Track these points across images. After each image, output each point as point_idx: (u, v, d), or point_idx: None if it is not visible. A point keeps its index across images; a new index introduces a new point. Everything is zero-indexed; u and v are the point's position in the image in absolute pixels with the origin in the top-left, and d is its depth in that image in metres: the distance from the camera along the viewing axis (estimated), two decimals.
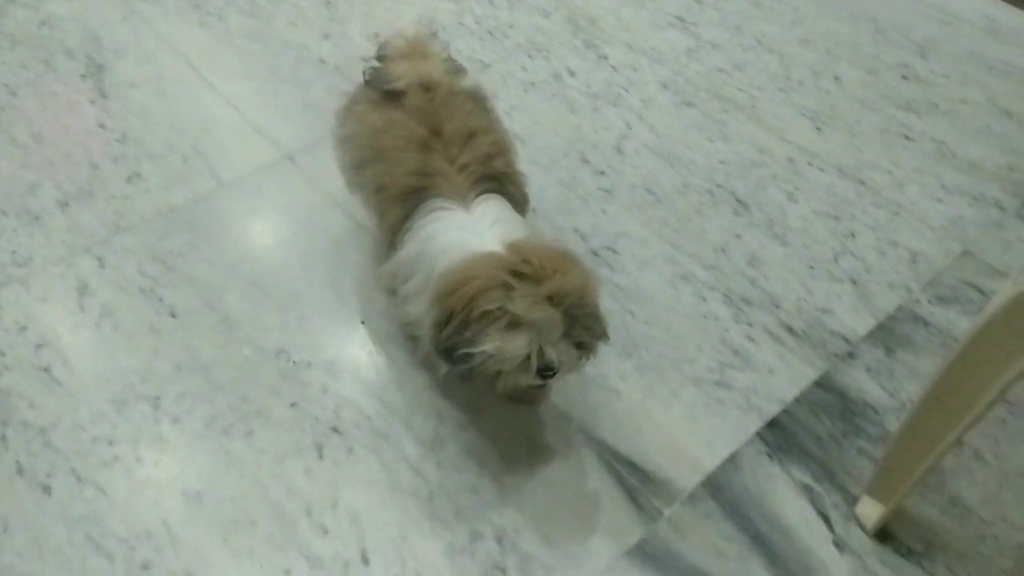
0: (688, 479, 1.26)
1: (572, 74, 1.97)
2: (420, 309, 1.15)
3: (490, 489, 1.22)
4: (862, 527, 1.21)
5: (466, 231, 1.17)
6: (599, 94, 1.91)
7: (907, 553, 1.19)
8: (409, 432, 1.28)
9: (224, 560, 1.14)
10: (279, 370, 1.36)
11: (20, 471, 1.21)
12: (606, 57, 2.02)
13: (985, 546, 1.21)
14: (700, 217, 1.66)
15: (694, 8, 2.21)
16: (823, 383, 1.39)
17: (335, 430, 1.28)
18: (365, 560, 1.15)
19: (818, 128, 1.87)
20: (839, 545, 1.20)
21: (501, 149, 1.30)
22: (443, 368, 1.20)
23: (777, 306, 1.51)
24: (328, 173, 1.67)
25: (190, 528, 1.17)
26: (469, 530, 1.18)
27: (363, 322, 1.43)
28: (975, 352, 0.95)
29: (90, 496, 1.19)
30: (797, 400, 1.37)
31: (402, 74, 1.32)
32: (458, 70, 1.39)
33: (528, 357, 1.06)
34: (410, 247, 1.20)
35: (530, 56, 2.01)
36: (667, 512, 1.22)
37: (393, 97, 1.31)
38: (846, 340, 1.46)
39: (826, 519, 1.22)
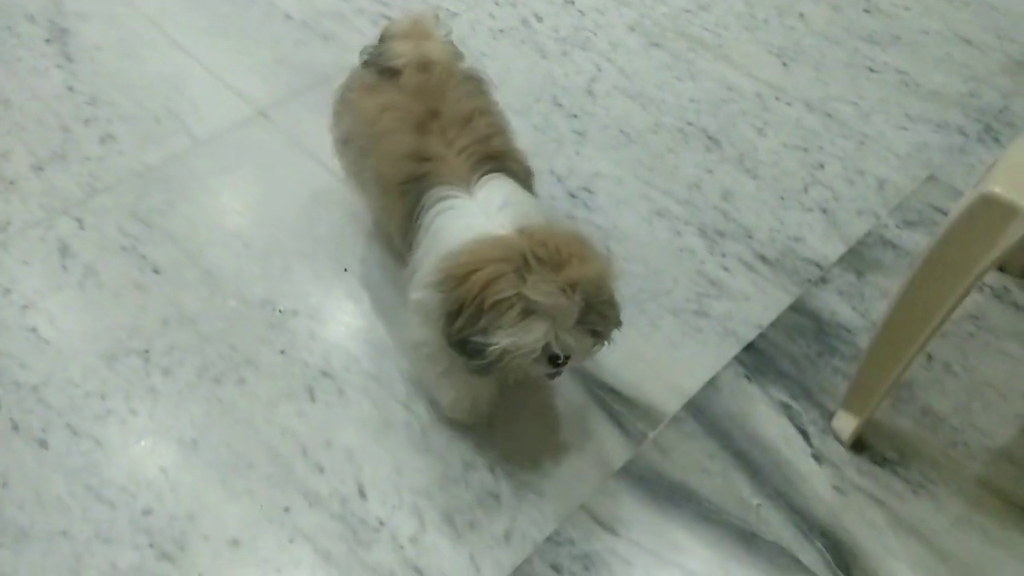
0: (671, 403, 1.30)
1: (540, 19, 1.97)
2: (425, 296, 1.10)
3: (480, 422, 1.26)
4: (838, 439, 1.26)
5: (474, 215, 1.12)
6: (568, 38, 1.93)
7: (882, 462, 1.25)
8: (398, 371, 1.31)
9: (224, 502, 1.17)
10: (266, 319, 1.37)
11: (15, 428, 1.23)
12: (572, 2, 2.03)
13: (956, 452, 1.27)
14: (673, 155, 1.69)
15: None
16: (797, 307, 1.44)
17: (325, 374, 1.31)
18: (362, 495, 1.18)
19: (784, 64, 1.90)
20: (817, 457, 1.25)
21: (499, 129, 1.26)
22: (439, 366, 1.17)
23: (750, 237, 1.54)
24: (303, 127, 1.69)
25: (188, 474, 1.20)
26: (462, 461, 1.22)
27: (346, 270, 1.45)
28: (940, 257, 0.99)
29: (87, 448, 1.21)
30: (773, 324, 1.41)
31: (401, 52, 1.27)
32: (457, 54, 1.35)
33: (545, 346, 1.02)
34: (423, 244, 1.15)
35: (497, 3, 2.01)
36: (652, 435, 1.26)
37: (390, 75, 1.27)
38: (818, 266, 1.50)
39: (804, 434, 1.27)
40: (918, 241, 1.53)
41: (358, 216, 1.51)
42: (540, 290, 0.99)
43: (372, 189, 1.30)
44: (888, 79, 1.87)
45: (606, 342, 1.11)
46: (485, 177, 1.16)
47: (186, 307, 1.38)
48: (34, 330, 1.35)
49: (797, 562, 1.14)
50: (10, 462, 1.20)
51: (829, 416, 1.29)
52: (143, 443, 1.22)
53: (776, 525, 1.18)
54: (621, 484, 1.21)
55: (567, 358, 1.05)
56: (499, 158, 1.20)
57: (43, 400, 1.26)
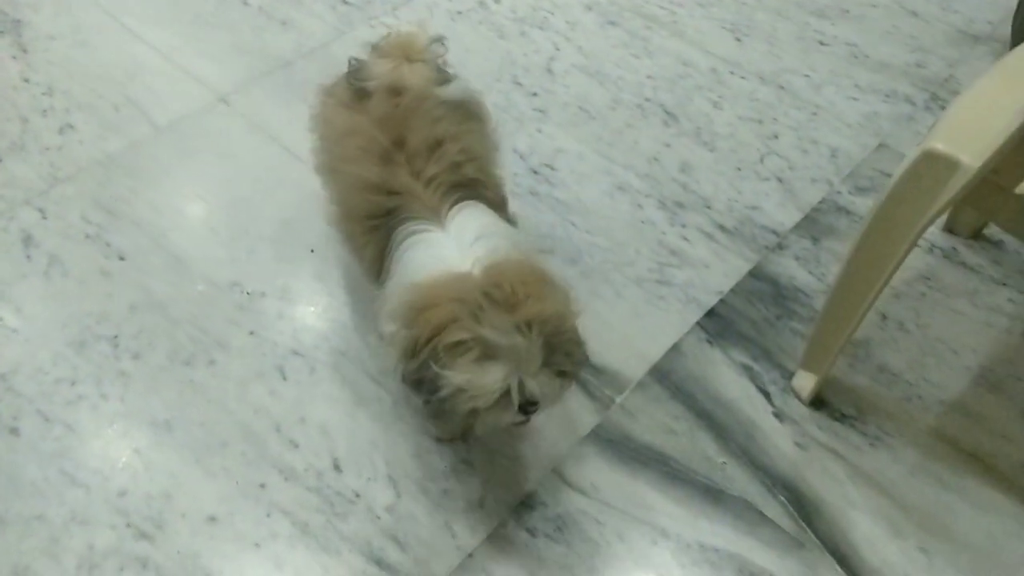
0: (636, 368, 1.33)
1: (497, 1, 1.99)
2: (391, 326, 1.05)
3: None
4: (799, 397, 1.31)
5: (444, 248, 1.06)
6: (525, 18, 1.95)
7: (841, 417, 1.29)
8: (367, 347, 1.33)
9: (199, 480, 1.18)
10: (234, 302, 1.38)
11: None
12: None
13: (911, 405, 1.31)
14: (632, 130, 1.72)
15: None
16: (756, 273, 1.48)
17: (295, 352, 1.32)
18: (337, 468, 1.20)
19: (738, 39, 1.94)
20: (779, 415, 1.29)
21: (472, 155, 1.18)
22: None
23: (709, 207, 1.58)
24: (263, 112, 1.69)
25: (162, 454, 1.20)
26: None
27: (312, 250, 1.46)
28: (886, 214, 1.04)
29: (59, 434, 1.22)
30: (732, 290, 1.45)
31: (377, 74, 1.20)
32: (445, 79, 1.26)
33: (507, 392, 0.97)
34: (392, 280, 1.10)
35: None
36: (618, 399, 1.29)
37: (361, 96, 1.20)
38: (775, 233, 1.54)
39: (765, 393, 1.31)
40: (870, 206, 1.58)
41: (323, 197, 1.52)
42: (495, 332, 0.94)
43: (336, 212, 1.24)
44: (838, 52, 1.92)
45: (574, 382, 1.06)
46: (457, 207, 1.10)
47: (154, 292, 1.38)
48: (0, 319, 1.34)
49: (762, 516, 1.18)
50: None
51: (789, 376, 1.33)
52: (115, 426, 1.23)
53: (741, 481, 1.22)
54: (590, 448, 1.24)
55: (536, 404, 1.00)
56: (471, 186, 1.14)
57: (12, 388, 1.26)
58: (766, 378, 1.33)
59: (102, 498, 1.15)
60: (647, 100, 1.78)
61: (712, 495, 1.20)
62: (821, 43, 1.94)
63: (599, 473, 1.21)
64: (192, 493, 1.17)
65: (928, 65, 1.89)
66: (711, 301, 1.43)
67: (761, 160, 1.67)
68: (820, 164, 1.67)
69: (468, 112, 1.26)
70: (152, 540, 1.12)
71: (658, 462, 1.23)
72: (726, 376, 1.33)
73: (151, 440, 1.22)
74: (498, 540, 1.14)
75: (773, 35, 1.95)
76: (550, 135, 1.69)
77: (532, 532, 1.15)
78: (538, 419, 1.13)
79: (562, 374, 1.02)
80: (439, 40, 1.27)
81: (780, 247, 1.52)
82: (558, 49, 1.88)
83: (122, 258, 1.43)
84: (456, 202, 1.11)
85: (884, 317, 1.42)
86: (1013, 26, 1.78)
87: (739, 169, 1.65)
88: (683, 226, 1.55)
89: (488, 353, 0.95)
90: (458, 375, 0.95)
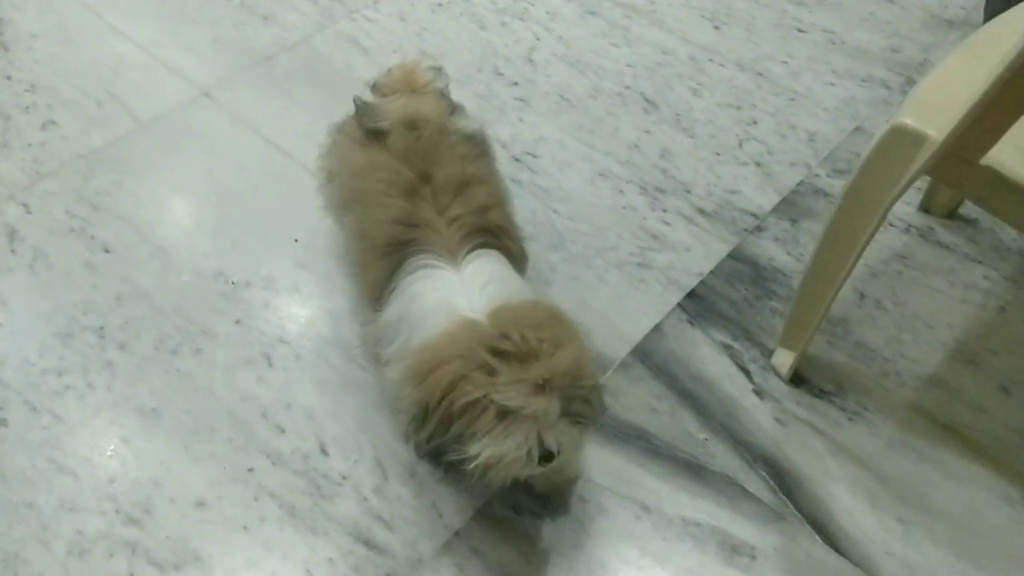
0: (618, 350, 1.35)
1: None
2: (397, 377, 1.01)
3: None
4: (778, 375, 1.33)
5: (453, 291, 1.02)
6: (506, 9, 1.96)
7: (820, 393, 1.32)
8: (353, 333, 1.34)
9: (187, 465, 1.19)
10: (219, 291, 1.39)
11: None
12: None
13: (889, 381, 1.34)
14: (612, 118, 1.74)
15: None
16: (735, 255, 1.50)
17: (281, 340, 1.34)
18: (324, 451, 1.21)
19: (716, 27, 1.96)
20: (759, 393, 1.31)
21: (498, 200, 1.15)
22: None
23: (689, 192, 1.60)
24: (247, 105, 1.70)
25: (150, 441, 1.22)
26: None
27: (296, 240, 1.47)
28: (858, 190, 1.06)
29: (47, 423, 1.23)
30: (712, 272, 1.47)
31: (389, 113, 1.18)
32: (455, 108, 1.24)
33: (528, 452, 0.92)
34: (393, 308, 1.06)
35: None
36: (602, 380, 1.30)
37: (377, 136, 1.18)
38: (754, 216, 1.56)
39: (746, 372, 1.33)
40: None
41: (306, 188, 1.54)
42: (510, 393, 0.88)
43: (352, 239, 1.20)
44: (815, 38, 1.95)
45: (593, 427, 1.00)
46: (475, 252, 1.07)
47: (139, 283, 1.40)
48: None
49: (743, 490, 1.20)
50: None
51: (769, 354, 1.35)
52: (103, 415, 1.24)
53: (722, 457, 1.24)
54: None
55: (555, 455, 0.93)
56: (494, 233, 1.11)
57: (0, 380, 1.27)
58: (746, 356, 1.35)
59: (91, 485, 1.17)
60: (627, 88, 1.80)
61: (694, 470, 1.22)
62: (799, 30, 1.96)
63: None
64: (180, 479, 1.18)
65: (903, 50, 1.92)
66: (692, 283, 1.45)
67: (740, 145, 1.70)
68: (798, 148, 1.69)
69: (482, 148, 1.23)
70: (141, 525, 1.13)
71: (640, 439, 1.25)
72: (707, 355, 1.35)
73: (139, 428, 1.23)
74: (484, 518, 1.15)
75: (751, 23, 1.97)
76: (531, 124, 1.71)
77: (518, 509, 1.17)
78: None
79: (580, 421, 0.96)
80: (439, 69, 1.26)
81: (759, 229, 1.54)
82: (538, 39, 1.90)
83: (107, 250, 1.44)
84: (476, 247, 1.07)
85: (862, 296, 1.44)
86: (986, 11, 1.80)
87: (718, 154, 1.68)
88: (664, 211, 1.57)
89: (505, 410, 0.90)
90: (477, 446, 0.90)
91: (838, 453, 1.25)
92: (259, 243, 1.47)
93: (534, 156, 1.65)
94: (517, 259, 1.14)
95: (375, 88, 1.26)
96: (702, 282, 1.45)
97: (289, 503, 1.16)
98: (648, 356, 1.34)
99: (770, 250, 1.51)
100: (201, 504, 1.15)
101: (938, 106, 0.97)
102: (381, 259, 1.10)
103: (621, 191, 1.60)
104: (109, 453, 1.20)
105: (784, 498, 1.20)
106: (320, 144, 1.31)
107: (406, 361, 0.98)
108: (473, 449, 0.90)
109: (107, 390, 1.27)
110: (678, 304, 1.42)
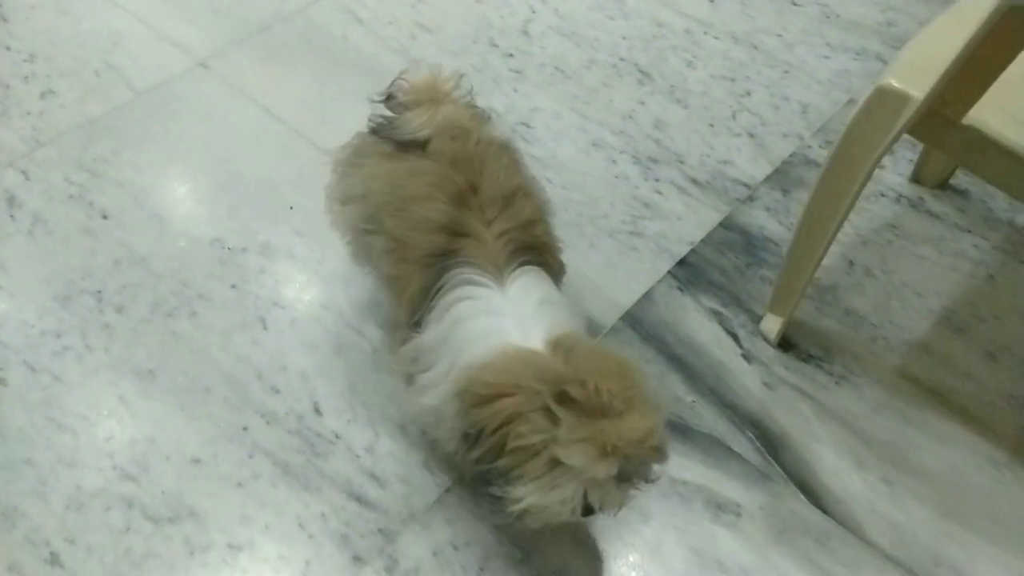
0: (609, 315, 1.37)
1: None
2: (438, 401, 0.98)
3: None
4: (766, 340, 1.34)
5: (502, 316, 0.98)
6: None
7: (807, 358, 1.33)
8: (347, 298, 1.36)
9: (183, 425, 1.21)
10: (215, 257, 1.41)
11: None
12: None
13: (876, 346, 1.35)
14: (607, 89, 1.75)
15: None
16: (727, 224, 1.51)
17: (276, 304, 1.35)
18: (318, 411, 1.23)
19: (712, 0, 1.97)
20: (747, 357, 1.33)
21: (541, 214, 1.12)
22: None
23: (682, 162, 1.61)
24: (244, 76, 1.71)
25: (147, 401, 1.24)
26: None
27: (292, 207, 1.49)
28: (844, 151, 1.07)
29: (45, 383, 1.25)
30: (704, 241, 1.48)
31: (424, 123, 1.13)
32: (484, 118, 1.21)
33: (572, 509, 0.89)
34: (435, 330, 1.01)
35: None
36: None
37: (414, 147, 1.12)
38: (746, 186, 1.58)
39: (735, 337, 1.35)
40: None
41: (302, 156, 1.55)
42: (573, 450, 0.84)
43: (383, 257, 1.12)
44: (810, 12, 1.95)
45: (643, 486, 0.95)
46: (521, 269, 1.02)
47: (136, 248, 1.41)
48: None
49: (730, 450, 1.22)
50: None
51: (758, 320, 1.37)
52: (100, 375, 1.26)
53: (710, 419, 1.25)
54: None
55: (596, 511, 0.91)
56: (539, 250, 1.07)
57: (0, 341, 1.29)
58: (735, 322, 1.37)
59: (89, 443, 1.19)
60: (622, 60, 1.81)
61: (681, 431, 1.24)
62: (794, 3, 1.97)
63: None
64: (176, 437, 1.20)
65: (898, 23, 1.92)
66: (683, 251, 1.47)
67: (733, 116, 1.71)
68: (791, 120, 1.70)
69: (517, 157, 1.20)
70: (137, 481, 1.15)
71: None
72: (696, 321, 1.37)
73: (135, 388, 1.25)
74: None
75: None
76: (526, 94, 1.72)
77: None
78: None
79: (630, 481, 0.92)
80: (461, 77, 1.21)
81: (751, 199, 1.55)
82: (534, 12, 1.90)
83: (105, 217, 1.45)
84: (522, 264, 1.03)
85: (851, 263, 1.46)
86: None
87: (712, 125, 1.69)
88: (656, 180, 1.58)
89: (558, 462, 0.86)
90: (522, 490, 0.87)
91: (824, 416, 1.27)
92: (255, 210, 1.48)
93: (528, 126, 1.66)
94: (556, 274, 1.12)
95: (393, 100, 1.18)
96: (693, 250, 1.47)
97: (283, 461, 1.18)
98: (638, 322, 1.36)
99: (761, 219, 1.52)
100: (196, 461, 1.18)
101: (922, 67, 0.99)
102: (421, 270, 1.05)
103: (614, 161, 1.61)
104: (106, 412, 1.22)
105: (770, 459, 1.22)
106: (333, 166, 1.23)
107: (458, 381, 0.94)
108: (517, 492, 0.88)
109: (105, 351, 1.29)
110: (669, 272, 1.43)
